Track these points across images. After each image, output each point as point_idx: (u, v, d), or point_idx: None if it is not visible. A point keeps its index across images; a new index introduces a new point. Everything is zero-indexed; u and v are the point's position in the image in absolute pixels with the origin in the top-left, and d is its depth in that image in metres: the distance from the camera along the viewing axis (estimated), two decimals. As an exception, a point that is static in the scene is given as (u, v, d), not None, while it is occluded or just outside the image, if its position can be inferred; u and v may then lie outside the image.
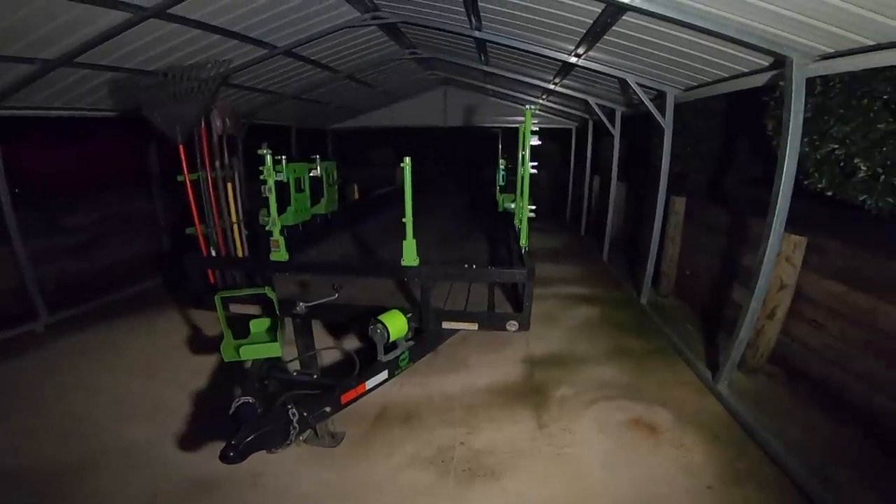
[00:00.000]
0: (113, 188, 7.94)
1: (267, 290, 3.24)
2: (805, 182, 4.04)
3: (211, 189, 4.10)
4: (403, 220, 3.39)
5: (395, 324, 2.94)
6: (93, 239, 6.81)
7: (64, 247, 6.41)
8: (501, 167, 6.28)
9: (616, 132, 7.79)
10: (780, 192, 3.27)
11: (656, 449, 3.29)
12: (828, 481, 2.85)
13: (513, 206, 5.10)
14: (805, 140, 3.78)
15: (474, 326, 3.52)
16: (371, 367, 2.96)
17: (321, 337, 4.79)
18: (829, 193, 3.98)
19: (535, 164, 3.76)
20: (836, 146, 3.75)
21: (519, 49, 5.53)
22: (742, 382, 4.05)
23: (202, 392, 3.98)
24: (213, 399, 3.82)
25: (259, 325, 3.50)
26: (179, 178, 3.94)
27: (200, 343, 4.89)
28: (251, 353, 3.10)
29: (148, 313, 5.79)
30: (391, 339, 2.94)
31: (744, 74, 4.12)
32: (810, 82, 3.35)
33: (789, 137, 3.18)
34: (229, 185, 4.29)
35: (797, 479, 2.90)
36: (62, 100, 5.30)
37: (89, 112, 5.84)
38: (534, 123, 3.64)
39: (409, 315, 3.07)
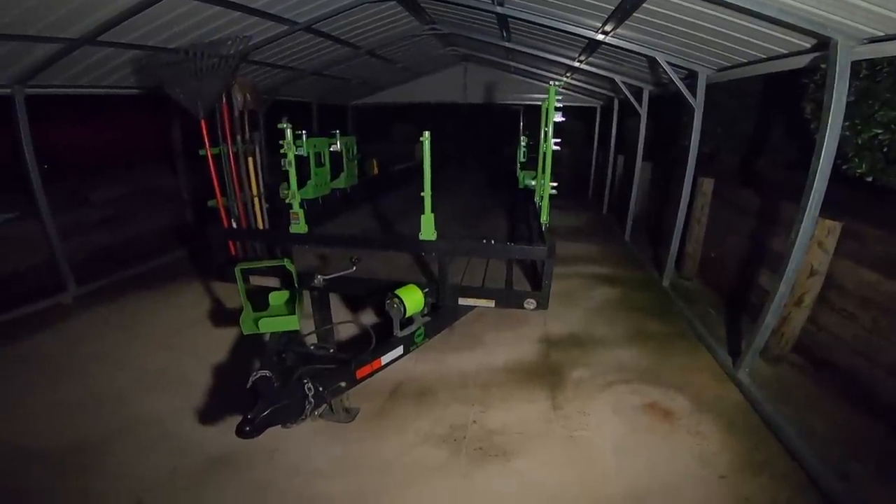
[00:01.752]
0: (138, 163, 8.11)
1: (286, 263, 3.27)
2: (844, 167, 3.88)
3: (232, 163, 4.15)
4: (422, 194, 3.34)
5: (412, 298, 2.93)
6: (119, 213, 6.98)
7: (92, 221, 6.58)
8: (523, 144, 6.16)
9: (643, 111, 7.54)
10: (818, 175, 3.12)
11: (671, 435, 3.25)
12: (844, 476, 2.78)
13: (533, 183, 5.00)
14: (846, 124, 3.62)
15: (491, 304, 3.48)
16: (387, 343, 2.96)
17: (339, 311, 4.85)
18: (870, 179, 3.81)
19: (558, 140, 3.65)
20: (880, 131, 3.59)
21: (543, 25, 5.35)
22: (764, 371, 3.95)
23: (223, 365, 4.07)
24: (233, 372, 3.91)
25: (278, 298, 3.54)
26: (202, 153, 3.99)
27: (222, 316, 4.99)
28: (269, 325, 3.14)
29: (172, 285, 5.93)
30: (407, 314, 2.93)
31: (782, 56, 3.90)
32: (854, 65, 3.16)
33: (830, 121, 3.01)
34: (250, 159, 4.33)
35: (812, 472, 2.84)
36: (87, 78, 5.33)
37: (114, 90, 5.88)
38: (557, 100, 3.53)
39: (426, 290, 3.06)
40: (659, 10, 3.91)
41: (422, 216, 3.42)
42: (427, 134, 3.20)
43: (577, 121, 12.65)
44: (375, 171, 8.25)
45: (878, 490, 2.74)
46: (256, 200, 4.39)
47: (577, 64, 7.35)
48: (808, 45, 3.47)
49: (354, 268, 3.31)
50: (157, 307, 5.33)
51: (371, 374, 2.87)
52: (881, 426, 3.23)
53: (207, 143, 3.93)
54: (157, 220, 7.59)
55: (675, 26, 4.18)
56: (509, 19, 5.83)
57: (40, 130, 5.31)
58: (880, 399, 3.41)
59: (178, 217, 8.02)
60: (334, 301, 4.52)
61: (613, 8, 4.20)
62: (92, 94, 5.77)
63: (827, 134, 3.04)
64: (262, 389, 2.42)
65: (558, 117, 3.58)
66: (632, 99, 7.68)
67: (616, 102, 9.94)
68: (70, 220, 5.97)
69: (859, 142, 3.73)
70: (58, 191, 5.71)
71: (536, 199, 4.46)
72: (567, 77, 9.39)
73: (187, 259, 6.98)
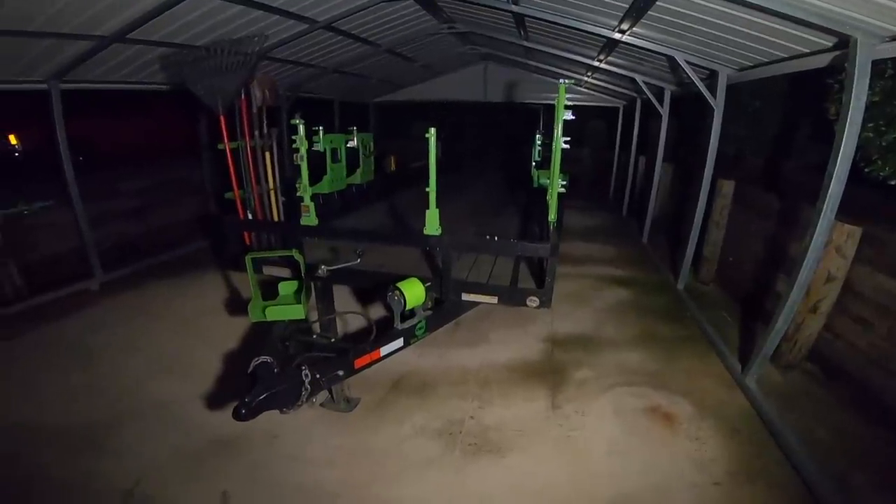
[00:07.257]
0: (166, 156, 8.41)
1: (294, 253, 3.37)
2: (866, 169, 3.74)
3: (249, 157, 4.29)
4: (427, 189, 3.39)
5: (413, 292, 2.97)
6: (146, 203, 7.26)
7: (120, 211, 6.87)
8: (538, 143, 6.14)
9: (664, 112, 7.39)
10: (834, 177, 3.01)
11: (670, 440, 3.20)
12: (843, 486, 2.71)
13: (548, 181, 5.00)
14: (870, 126, 3.51)
15: (494, 300, 3.50)
16: (386, 334, 3.02)
17: (350, 304, 4.94)
18: (893, 182, 3.68)
19: (567, 139, 3.64)
20: (904, 133, 3.45)
21: (559, 24, 5.30)
22: (774, 378, 3.86)
23: (233, 353, 4.20)
24: (242, 360, 3.99)
25: (287, 288, 3.66)
26: (220, 147, 4.15)
27: (238, 305, 5.14)
28: (276, 313, 3.25)
29: (193, 274, 6.15)
30: (408, 307, 2.97)
31: (804, 55, 3.78)
32: (877, 64, 3.07)
33: (848, 121, 2.92)
34: (267, 154, 4.47)
35: (810, 481, 2.77)
36: (118, 74, 5.56)
37: (144, 86, 6.12)
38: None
39: (429, 284, 3.10)
40: (675, 8, 3.84)
41: (426, 211, 3.47)
42: (433, 130, 3.26)
43: (600, 121, 12.46)
44: (393, 167, 8.36)
45: (875, 501, 2.67)
46: (273, 193, 4.54)
47: (597, 63, 7.24)
48: (830, 44, 3.36)
49: (359, 259, 3.38)
50: (177, 295, 5.52)
51: (370, 365, 2.92)
52: (890, 436, 3.13)
53: (226, 138, 4.08)
54: (183, 211, 7.85)
55: (693, 25, 4.10)
56: (526, 18, 5.80)
57: (75, 124, 5.57)
58: (891, 409, 3.30)
59: (202, 208, 8.27)
60: (347, 295, 4.59)
61: (628, 6, 4.15)
62: (123, 90, 6.02)
63: (845, 134, 2.94)
64: (262, 374, 2.51)
65: (568, 115, 3.58)
66: (653, 99, 7.53)
67: (638, 102, 9.76)
68: (100, 210, 6.22)
69: (883, 143, 3.60)
70: (89, 181, 5.95)
71: (548, 197, 4.46)
72: (588, 77, 9.27)
73: (209, 249, 7.21)
